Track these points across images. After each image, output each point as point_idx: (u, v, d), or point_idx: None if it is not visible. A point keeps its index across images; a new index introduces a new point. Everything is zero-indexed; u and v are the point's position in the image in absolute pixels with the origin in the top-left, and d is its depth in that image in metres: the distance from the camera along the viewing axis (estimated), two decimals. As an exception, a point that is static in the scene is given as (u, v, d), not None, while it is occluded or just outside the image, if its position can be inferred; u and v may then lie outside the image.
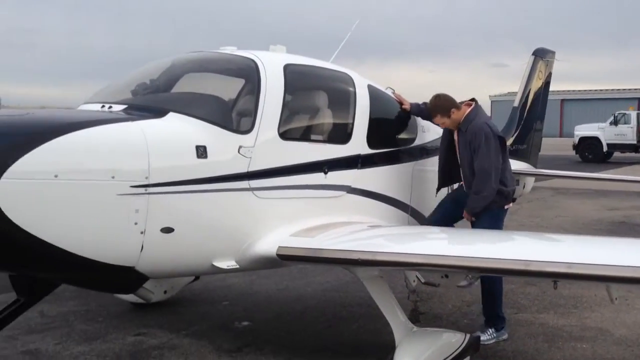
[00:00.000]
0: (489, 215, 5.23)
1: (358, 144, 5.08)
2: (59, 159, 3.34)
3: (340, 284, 7.14)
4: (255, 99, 4.39)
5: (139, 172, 3.63)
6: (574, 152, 30.26)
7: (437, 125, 5.52)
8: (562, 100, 61.29)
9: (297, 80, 4.86)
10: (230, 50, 4.90)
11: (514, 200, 6.27)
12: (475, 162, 5.13)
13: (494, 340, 5.28)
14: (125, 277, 3.87)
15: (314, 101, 5.17)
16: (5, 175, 3.14)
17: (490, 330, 5.30)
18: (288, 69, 4.69)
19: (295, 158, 4.55)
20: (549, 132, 55.96)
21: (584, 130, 30.77)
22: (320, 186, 4.74)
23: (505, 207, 5.45)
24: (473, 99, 5.41)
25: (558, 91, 60.90)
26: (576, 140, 30.31)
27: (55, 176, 3.31)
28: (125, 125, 3.77)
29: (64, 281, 4.06)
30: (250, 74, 4.57)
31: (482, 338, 5.08)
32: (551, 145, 38.09)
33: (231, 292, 6.85)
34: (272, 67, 4.59)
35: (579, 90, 63.48)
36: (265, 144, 4.29)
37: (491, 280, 5.23)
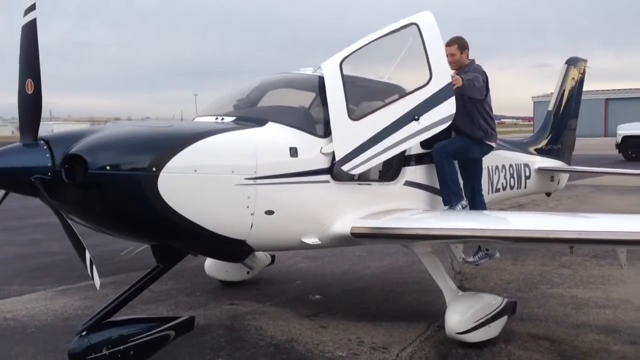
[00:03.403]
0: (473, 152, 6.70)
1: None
2: (197, 158, 4.50)
3: (395, 268, 8.25)
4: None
5: (250, 167, 4.77)
6: (617, 151, 30.34)
7: (446, 56, 6.29)
8: (607, 100, 60.34)
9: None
10: (308, 70, 6.06)
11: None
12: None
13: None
14: (238, 248, 5.03)
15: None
16: (164, 169, 4.32)
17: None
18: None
19: None
20: (593, 132, 55.01)
21: (626, 129, 30.70)
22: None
23: (487, 142, 6.68)
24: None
25: (603, 90, 59.91)
26: (619, 139, 30.26)
27: (195, 170, 4.48)
28: (239, 132, 4.95)
29: (193, 249, 5.19)
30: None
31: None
32: (595, 145, 38.04)
33: (302, 274, 8.03)
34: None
35: (624, 89, 62.18)
36: None
37: None
